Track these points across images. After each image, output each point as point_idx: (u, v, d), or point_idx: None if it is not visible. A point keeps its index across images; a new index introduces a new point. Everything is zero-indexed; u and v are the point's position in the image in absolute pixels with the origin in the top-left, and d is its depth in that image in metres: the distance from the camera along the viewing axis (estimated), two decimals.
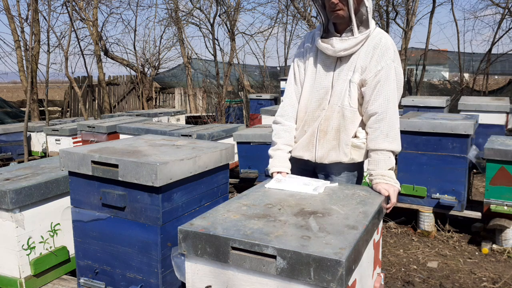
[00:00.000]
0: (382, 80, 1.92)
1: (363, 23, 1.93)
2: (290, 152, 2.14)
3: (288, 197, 1.77)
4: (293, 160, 2.17)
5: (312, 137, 2.06)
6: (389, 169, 1.94)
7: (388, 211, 1.91)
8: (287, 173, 2.08)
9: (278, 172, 2.07)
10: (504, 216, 3.30)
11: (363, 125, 2.04)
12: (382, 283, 1.84)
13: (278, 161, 2.09)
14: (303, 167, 2.16)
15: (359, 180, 2.17)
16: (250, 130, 4.90)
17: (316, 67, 2.05)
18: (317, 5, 1.99)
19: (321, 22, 2.03)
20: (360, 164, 2.14)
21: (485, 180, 3.37)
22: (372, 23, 1.95)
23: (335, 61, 2.01)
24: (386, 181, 1.90)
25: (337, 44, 1.95)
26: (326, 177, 2.12)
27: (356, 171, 2.13)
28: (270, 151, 2.14)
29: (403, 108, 6.35)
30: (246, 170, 4.68)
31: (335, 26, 2.03)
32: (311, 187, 1.88)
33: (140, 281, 1.97)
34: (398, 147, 1.97)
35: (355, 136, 2.03)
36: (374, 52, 1.94)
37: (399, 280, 2.95)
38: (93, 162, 1.94)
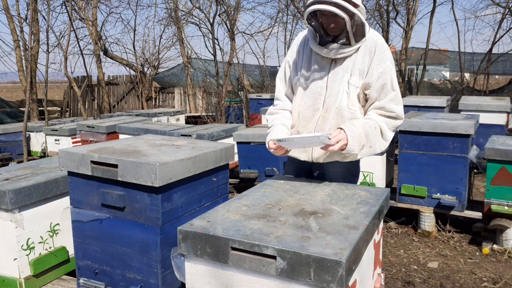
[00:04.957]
0: (388, 81, 1.98)
1: (359, 33, 1.93)
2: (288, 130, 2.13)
3: (288, 197, 1.77)
4: (290, 160, 2.21)
5: None
6: (362, 134, 1.89)
7: (326, 148, 1.83)
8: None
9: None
10: (505, 216, 3.29)
11: None
12: (383, 283, 1.84)
13: (278, 130, 2.07)
14: (300, 166, 2.19)
15: (355, 177, 2.18)
16: (250, 130, 4.89)
17: (310, 67, 2.07)
18: (313, 25, 1.97)
19: (317, 34, 2.01)
20: (356, 162, 2.15)
21: (485, 180, 3.37)
22: (366, 28, 1.95)
23: (330, 63, 2.03)
24: (349, 130, 1.84)
25: (334, 48, 1.96)
26: (322, 175, 2.14)
27: (352, 168, 2.14)
28: (268, 130, 2.14)
29: (403, 108, 6.33)
30: (246, 170, 4.67)
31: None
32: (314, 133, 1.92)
33: (140, 281, 1.96)
34: (382, 147, 2.00)
35: None
36: (371, 55, 1.97)
37: (400, 281, 2.95)
38: (93, 162, 1.94)
